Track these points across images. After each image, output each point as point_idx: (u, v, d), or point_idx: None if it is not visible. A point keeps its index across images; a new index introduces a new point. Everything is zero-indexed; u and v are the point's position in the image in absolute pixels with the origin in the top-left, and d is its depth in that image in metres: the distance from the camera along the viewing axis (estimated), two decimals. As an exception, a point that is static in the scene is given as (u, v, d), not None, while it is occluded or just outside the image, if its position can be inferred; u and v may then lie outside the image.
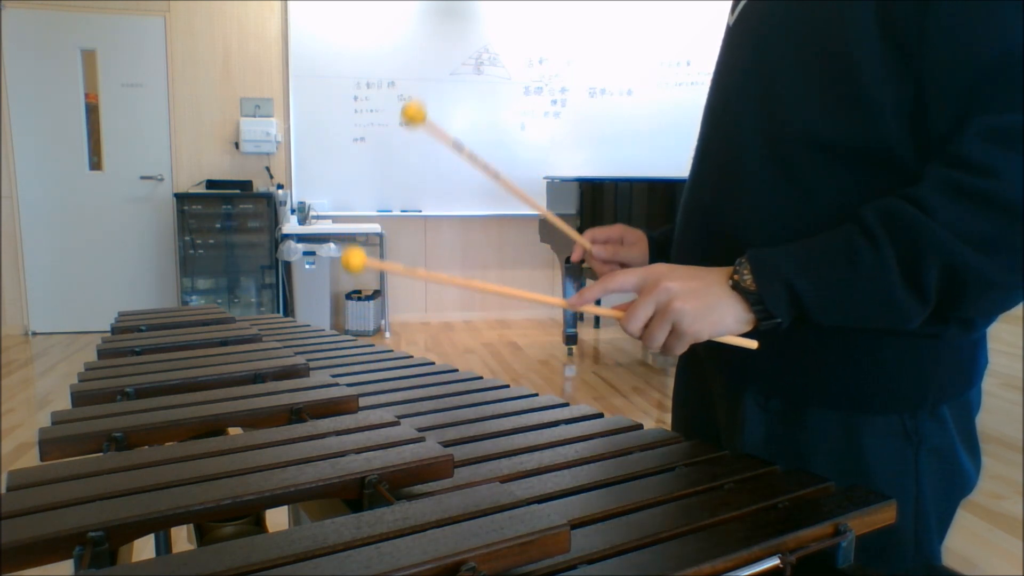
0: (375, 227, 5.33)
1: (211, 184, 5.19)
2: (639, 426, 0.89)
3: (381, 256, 5.38)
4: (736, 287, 0.69)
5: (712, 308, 0.69)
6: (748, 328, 0.70)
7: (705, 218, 0.82)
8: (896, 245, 0.63)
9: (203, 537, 0.78)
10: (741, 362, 0.80)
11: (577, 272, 4.56)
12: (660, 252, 0.95)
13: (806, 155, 0.72)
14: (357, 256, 0.62)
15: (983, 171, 0.61)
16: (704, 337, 0.69)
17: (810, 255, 0.67)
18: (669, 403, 3.81)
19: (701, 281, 0.70)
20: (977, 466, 0.78)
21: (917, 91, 0.66)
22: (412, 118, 0.74)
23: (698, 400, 0.93)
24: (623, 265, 0.96)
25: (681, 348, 0.70)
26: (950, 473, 0.75)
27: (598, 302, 0.74)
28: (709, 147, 0.83)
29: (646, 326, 0.70)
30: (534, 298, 0.73)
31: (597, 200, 4.22)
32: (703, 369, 0.91)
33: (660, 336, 0.70)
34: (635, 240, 0.96)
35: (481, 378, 1.17)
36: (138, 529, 0.55)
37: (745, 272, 0.68)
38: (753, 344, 0.72)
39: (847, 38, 0.67)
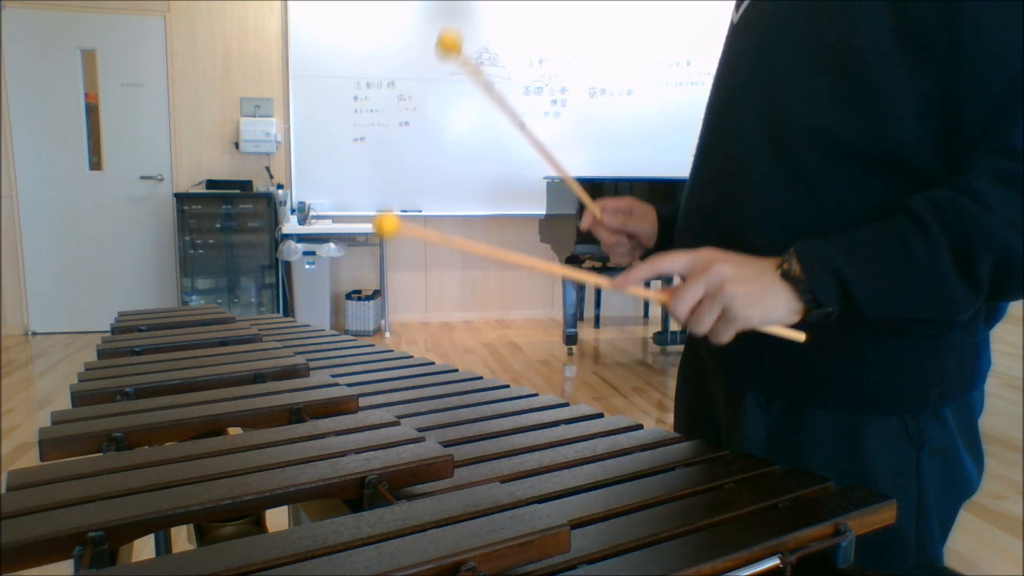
0: (375, 227, 5.32)
1: (211, 184, 5.19)
2: (639, 426, 0.89)
3: (381, 257, 5.39)
4: (786, 276, 0.67)
5: (764, 295, 0.67)
6: (797, 318, 0.68)
7: (705, 220, 0.82)
8: (949, 236, 0.62)
9: (203, 537, 0.78)
10: (742, 363, 0.79)
11: (577, 272, 4.55)
12: (666, 227, 0.94)
13: (813, 155, 0.71)
14: (390, 222, 0.60)
15: None
16: (754, 324, 0.68)
17: (859, 245, 0.66)
18: (669, 403, 3.79)
19: (753, 267, 0.68)
20: (980, 468, 0.78)
21: (943, 90, 0.65)
22: (448, 48, 0.71)
23: (699, 400, 0.93)
24: (631, 236, 0.95)
25: (728, 334, 0.68)
26: (952, 475, 0.75)
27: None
28: (710, 148, 0.83)
29: (694, 310, 0.68)
30: (576, 275, 0.71)
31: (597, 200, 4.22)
32: (704, 369, 0.90)
33: (708, 320, 0.67)
34: (644, 213, 0.94)
35: (481, 378, 1.17)
36: (138, 529, 0.55)
37: (794, 261, 0.67)
38: (801, 336, 0.70)
39: (859, 38, 0.67)
